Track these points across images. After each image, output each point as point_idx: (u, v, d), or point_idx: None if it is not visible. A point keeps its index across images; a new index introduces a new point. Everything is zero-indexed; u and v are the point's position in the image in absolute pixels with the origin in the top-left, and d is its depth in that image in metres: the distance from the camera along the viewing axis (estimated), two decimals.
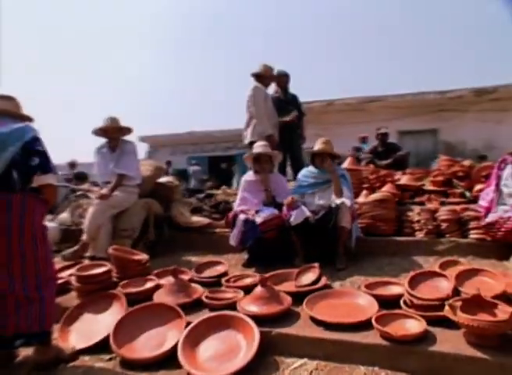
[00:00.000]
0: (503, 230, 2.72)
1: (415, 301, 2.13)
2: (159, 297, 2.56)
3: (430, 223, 3.22)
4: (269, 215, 3.25)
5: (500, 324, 1.77)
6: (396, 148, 5.75)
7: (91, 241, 3.49)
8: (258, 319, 2.19)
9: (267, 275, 2.62)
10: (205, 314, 2.38)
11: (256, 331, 2.08)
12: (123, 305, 2.49)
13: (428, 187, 3.84)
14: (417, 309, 2.11)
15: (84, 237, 3.50)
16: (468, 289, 2.17)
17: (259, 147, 3.66)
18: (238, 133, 16.19)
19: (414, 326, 1.97)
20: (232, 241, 3.32)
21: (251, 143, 4.65)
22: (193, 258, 3.71)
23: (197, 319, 2.28)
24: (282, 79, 5.00)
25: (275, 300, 2.34)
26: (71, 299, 2.82)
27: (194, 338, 2.14)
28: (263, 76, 4.76)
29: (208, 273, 3.14)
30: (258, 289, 2.41)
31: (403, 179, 3.94)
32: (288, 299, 2.37)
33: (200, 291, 2.65)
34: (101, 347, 2.24)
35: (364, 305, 2.28)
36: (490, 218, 2.84)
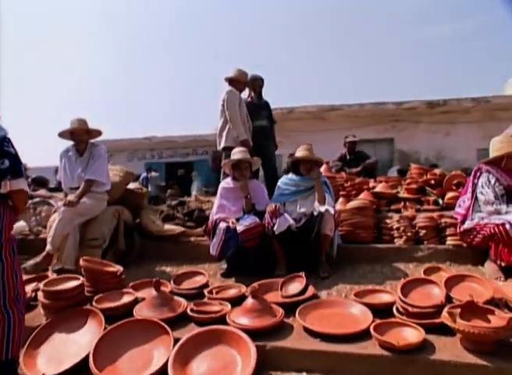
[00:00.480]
0: (480, 236, 2.81)
1: (410, 309, 2.12)
2: (140, 312, 2.38)
3: (409, 230, 3.28)
4: (251, 223, 3.15)
5: (499, 330, 1.79)
6: (365, 156, 5.87)
7: (56, 251, 3.21)
8: (251, 333, 2.09)
9: (255, 285, 2.51)
10: (192, 329, 2.24)
11: (251, 346, 1.98)
12: (100, 322, 2.29)
13: (403, 194, 3.93)
14: (412, 317, 2.11)
15: (48, 247, 3.21)
16: (459, 295, 2.21)
17: (238, 153, 3.57)
18: (198, 139, 15.94)
19: (412, 334, 1.96)
20: (213, 251, 3.18)
21: (226, 148, 4.55)
22: (168, 269, 3.52)
23: (184, 334, 2.14)
24: (257, 83, 4.93)
25: (267, 312, 2.24)
26: (36, 317, 2.57)
27: (184, 356, 1.99)
28: (237, 81, 4.67)
29: (188, 284, 2.98)
30: (249, 301, 2.30)
31: (379, 187, 4.00)
32: (280, 311, 2.29)
33: (183, 304, 2.49)
34: (77, 371, 2.03)
35: (358, 315, 2.24)
36: (467, 225, 2.93)
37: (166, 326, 2.17)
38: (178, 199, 4.49)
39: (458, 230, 3.06)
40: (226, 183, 3.62)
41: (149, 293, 2.66)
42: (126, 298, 2.57)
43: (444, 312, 1.95)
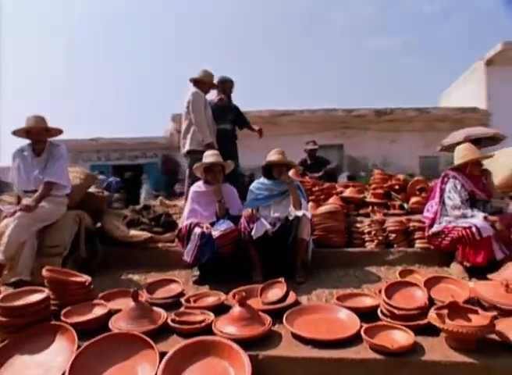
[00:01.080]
0: (448, 238, 2.97)
1: (396, 311, 2.16)
2: (117, 325, 2.20)
3: (380, 234, 3.38)
4: (227, 228, 3.07)
5: (484, 328, 1.88)
6: (325, 161, 6.02)
7: (10, 261, 2.89)
8: (241, 343, 2.01)
9: (243, 293, 2.43)
10: (175, 341, 2.12)
11: (244, 356, 1.90)
12: (72, 338, 2.08)
13: (370, 199, 4.06)
14: (398, 320, 2.14)
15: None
16: (439, 296, 2.29)
17: (211, 156, 3.47)
18: (147, 142, 15.44)
19: (403, 337, 2.00)
20: (187, 257, 3.05)
21: (191, 152, 4.41)
22: (136, 277, 3.32)
23: (168, 347, 2.01)
24: (227, 85, 4.84)
25: (256, 320, 2.18)
26: None
27: (173, 371, 1.86)
28: (203, 82, 4.56)
29: (162, 293, 2.82)
30: (237, 309, 2.22)
31: (347, 191, 4.10)
32: (268, 318, 2.23)
33: (163, 314, 2.35)
34: None
35: (345, 319, 2.25)
36: (435, 228, 3.08)
37: (149, 340, 2.02)
38: (143, 203, 4.27)
39: (426, 234, 3.21)
40: (198, 186, 3.51)
41: (123, 304, 2.48)
42: (99, 311, 2.36)
43: (432, 314, 2.01)
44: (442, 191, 3.12)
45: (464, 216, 2.91)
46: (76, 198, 3.57)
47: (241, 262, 3.20)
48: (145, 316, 2.26)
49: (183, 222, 3.36)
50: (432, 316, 2.00)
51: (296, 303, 2.59)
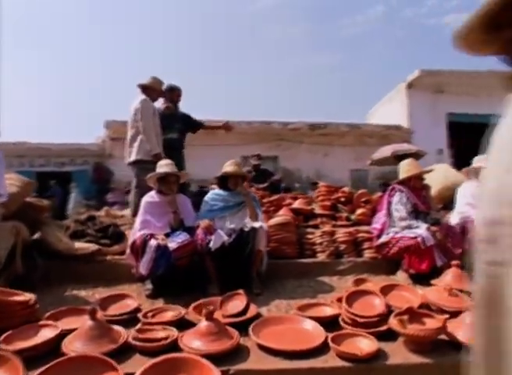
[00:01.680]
0: (395, 248, 3.19)
1: (358, 319, 2.26)
2: (72, 347, 2.01)
3: (331, 244, 3.51)
4: (184, 240, 2.99)
5: (439, 331, 2.05)
6: (270, 173, 6.16)
7: None
8: (211, 358, 1.95)
9: (210, 306, 2.36)
10: (139, 360, 2.00)
11: (216, 372, 1.84)
12: (16, 368, 1.81)
13: (318, 211, 4.21)
14: (359, 327, 2.24)
15: None
16: (395, 303, 2.44)
17: (165, 166, 3.37)
18: (77, 148, 14.54)
19: (367, 343, 2.09)
20: (142, 270, 2.91)
21: (138, 162, 4.24)
22: (82, 293, 3.08)
23: (133, 368, 1.89)
24: (175, 93, 4.74)
25: (224, 334, 2.13)
26: None
27: None
28: (152, 89, 4.43)
29: (116, 309, 2.65)
30: (204, 324, 2.16)
31: (296, 203, 4.21)
32: (235, 332, 2.20)
33: (123, 332, 2.21)
34: None
35: (310, 329, 2.29)
36: (383, 238, 3.29)
37: (111, 361, 1.88)
38: (87, 213, 3.99)
39: (374, 244, 3.41)
40: (151, 197, 3.37)
41: (75, 323, 2.29)
42: (48, 333, 2.15)
43: (392, 320, 2.13)
44: (390, 203, 3.35)
45: (410, 227, 3.16)
46: (13, 208, 3.23)
47: (196, 275, 3.13)
48: (104, 335, 2.11)
49: (134, 233, 3.20)
50: (392, 322, 2.12)
51: (258, 315, 2.59)
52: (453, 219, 3.49)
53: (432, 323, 2.12)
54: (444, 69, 12.51)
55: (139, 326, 2.41)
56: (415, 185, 3.34)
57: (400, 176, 3.40)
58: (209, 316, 2.17)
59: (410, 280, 3.15)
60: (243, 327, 2.30)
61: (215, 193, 3.53)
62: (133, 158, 4.26)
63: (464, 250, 3.03)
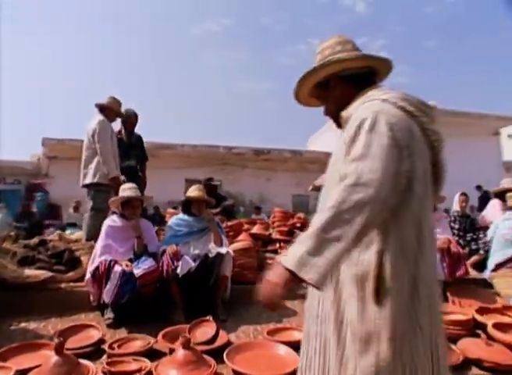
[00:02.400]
0: None
1: None
2: None
3: None
4: (150, 266, 2.92)
5: None
6: (222, 197, 6.19)
7: None
8: None
9: (185, 335, 2.32)
10: None
11: None
12: None
13: (276, 236, 4.32)
14: None
15: None
16: None
17: (128, 190, 3.29)
18: (8, 166, 13.48)
19: None
20: (106, 297, 2.78)
21: (94, 185, 4.07)
22: (32, 325, 2.83)
23: None
24: (132, 120, 4.64)
25: (202, 363, 2.12)
26: None
27: None
28: (110, 109, 4.32)
29: (77, 341, 2.49)
30: (181, 352, 2.13)
31: (255, 228, 4.29)
32: (211, 359, 2.20)
33: (91, 367, 2.10)
34: None
35: (283, 354, 2.35)
36: None
37: None
38: (38, 238, 3.70)
39: None
40: (113, 221, 3.26)
41: (29, 361, 2.13)
42: None
43: None
44: None
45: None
46: None
47: (160, 302, 3.06)
48: (71, 371, 1.99)
49: (94, 258, 3.07)
50: None
51: (229, 342, 2.60)
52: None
53: None
54: None
55: (105, 358, 2.32)
56: None
57: None
58: (186, 345, 2.15)
59: None
60: (214, 355, 2.31)
61: (179, 218, 3.50)
62: (88, 180, 4.08)
63: None
